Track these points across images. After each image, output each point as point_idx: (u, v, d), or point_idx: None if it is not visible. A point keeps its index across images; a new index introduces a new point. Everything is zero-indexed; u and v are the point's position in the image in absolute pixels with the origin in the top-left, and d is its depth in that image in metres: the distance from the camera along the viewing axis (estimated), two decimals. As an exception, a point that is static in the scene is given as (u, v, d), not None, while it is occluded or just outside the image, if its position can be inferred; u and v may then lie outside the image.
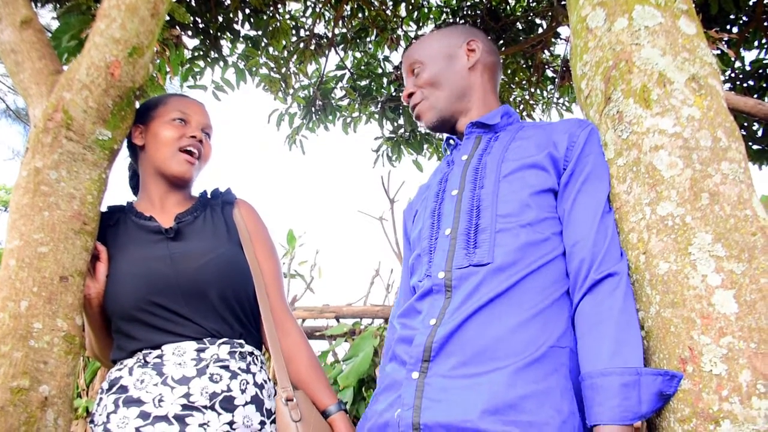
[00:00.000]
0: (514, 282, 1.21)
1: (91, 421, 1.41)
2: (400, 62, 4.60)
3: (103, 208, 1.56)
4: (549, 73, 4.75)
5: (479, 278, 1.23)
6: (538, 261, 1.24)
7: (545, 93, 4.89)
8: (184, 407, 1.34)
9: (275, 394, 1.48)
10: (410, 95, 1.54)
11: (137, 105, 1.61)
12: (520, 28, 4.31)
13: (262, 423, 1.41)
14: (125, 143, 1.62)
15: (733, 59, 3.70)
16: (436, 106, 1.50)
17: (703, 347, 1.05)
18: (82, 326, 1.43)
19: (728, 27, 3.61)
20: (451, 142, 1.52)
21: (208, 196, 1.70)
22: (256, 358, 1.50)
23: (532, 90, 4.77)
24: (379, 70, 4.76)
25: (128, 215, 1.58)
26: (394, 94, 4.66)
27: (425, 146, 4.85)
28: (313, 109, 4.76)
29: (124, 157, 1.70)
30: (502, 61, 4.45)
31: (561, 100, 4.89)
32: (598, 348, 1.11)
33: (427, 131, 1.59)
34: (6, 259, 1.35)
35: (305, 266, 5.20)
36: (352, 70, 4.74)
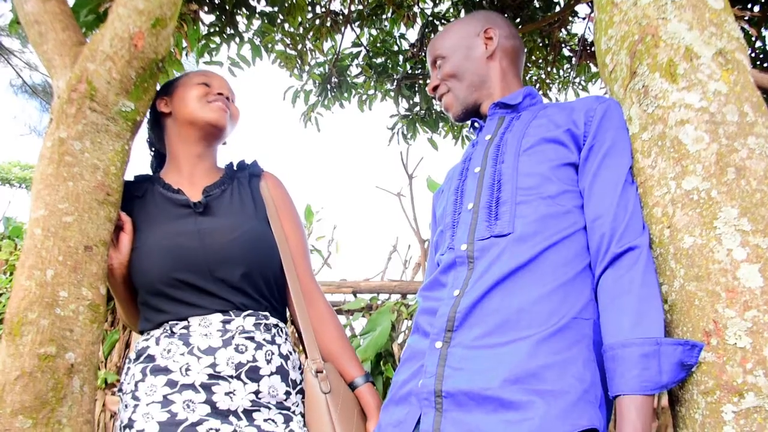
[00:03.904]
0: (536, 253, 1.21)
1: (120, 390, 1.43)
2: (417, 40, 4.55)
3: (130, 177, 1.57)
4: (566, 51, 4.68)
5: (501, 248, 1.24)
6: (560, 233, 1.24)
7: (562, 72, 4.84)
8: (211, 376, 1.36)
9: (300, 366, 1.50)
10: (435, 88, 1.58)
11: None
12: (537, 6, 4.25)
13: (287, 393, 1.43)
14: (146, 121, 1.64)
15: (754, 38, 3.63)
16: (458, 98, 1.54)
17: (727, 320, 1.05)
18: (106, 296, 1.45)
19: (750, 5, 3.54)
20: (476, 125, 1.55)
21: (234, 167, 1.70)
22: (281, 330, 1.51)
23: (549, 69, 4.71)
24: (395, 48, 4.73)
25: (156, 186, 1.59)
26: (410, 71, 4.63)
27: (440, 124, 4.83)
28: (328, 86, 4.74)
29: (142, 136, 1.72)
30: (519, 39, 4.41)
31: (578, 80, 4.84)
32: (619, 320, 1.12)
33: (443, 109, 1.62)
34: (32, 228, 1.37)
35: (323, 241, 5.18)
36: (368, 48, 4.71)
